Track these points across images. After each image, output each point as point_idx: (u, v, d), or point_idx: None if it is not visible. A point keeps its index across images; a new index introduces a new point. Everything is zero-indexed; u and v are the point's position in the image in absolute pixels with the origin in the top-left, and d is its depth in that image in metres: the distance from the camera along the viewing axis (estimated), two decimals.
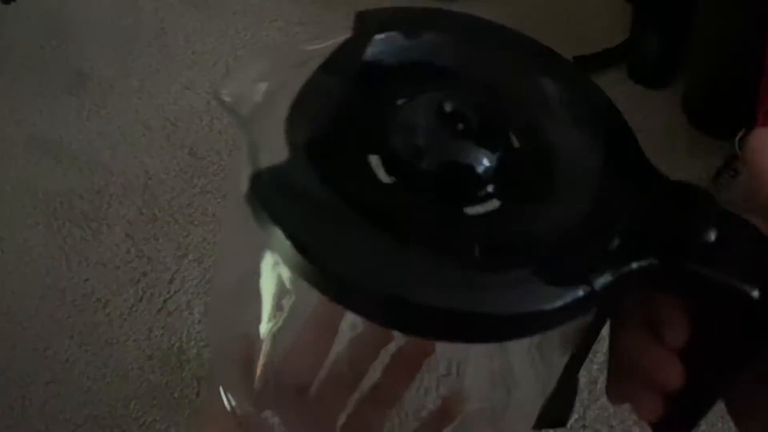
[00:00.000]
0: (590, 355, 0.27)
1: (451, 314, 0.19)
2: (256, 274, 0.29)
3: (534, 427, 0.31)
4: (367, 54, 0.25)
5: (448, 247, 0.20)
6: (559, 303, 0.19)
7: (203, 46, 1.02)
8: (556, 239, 0.20)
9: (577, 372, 0.26)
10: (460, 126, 0.22)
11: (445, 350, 0.35)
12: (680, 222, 0.20)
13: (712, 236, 0.20)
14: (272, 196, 0.21)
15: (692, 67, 0.91)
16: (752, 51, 0.76)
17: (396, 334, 0.32)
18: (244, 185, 0.22)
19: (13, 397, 0.61)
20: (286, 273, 0.27)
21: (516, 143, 0.22)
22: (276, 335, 0.31)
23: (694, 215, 0.20)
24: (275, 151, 0.23)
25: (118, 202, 0.79)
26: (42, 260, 0.73)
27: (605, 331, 0.25)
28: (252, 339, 0.31)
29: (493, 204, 0.21)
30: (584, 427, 0.58)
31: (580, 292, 0.19)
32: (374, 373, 0.35)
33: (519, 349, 0.31)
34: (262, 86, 0.25)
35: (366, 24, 0.26)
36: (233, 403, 0.31)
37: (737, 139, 0.77)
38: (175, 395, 0.61)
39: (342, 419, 0.34)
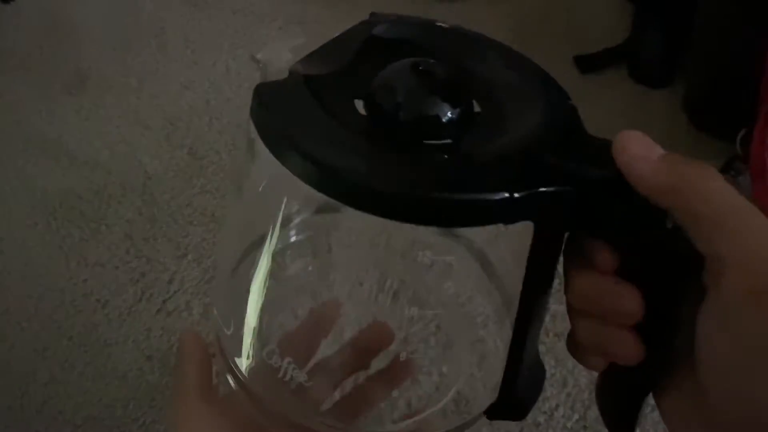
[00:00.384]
0: None
1: (404, 198, 0.26)
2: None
3: (488, 414, 0.33)
4: (372, 31, 0.33)
5: (405, 155, 0.27)
6: (488, 196, 0.25)
7: (203, 46, 1.02)
8: (491, 161, 0.27)
9: (525, 338, 0.31)
10: (426, 81, 0.29)
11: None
12: (596, 164, 0.27)
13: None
14: (269, 99, 0.28)
15: (692, 67, 0.91)
16: (752, 51, 0.76)
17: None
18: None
19: (12, 398, 0.61)
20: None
21: (477, 107, 0.30)
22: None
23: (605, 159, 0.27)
24: None
25: (117, 202, 0.79)
26: (40, 260, 0.73)
27: None
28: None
29: (446, 141, 0.28)
30: (585, 428, 0.58)
31: (505, 194, 0.25)
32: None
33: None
34: (291, 57, 0.31)
35: (377, 16, 0.35)
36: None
37: (738, 139, 0.77)
38: None
39: (327, 405, 0.38)
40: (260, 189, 0.36)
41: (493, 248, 0.38)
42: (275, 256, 0.37)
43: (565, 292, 0.29)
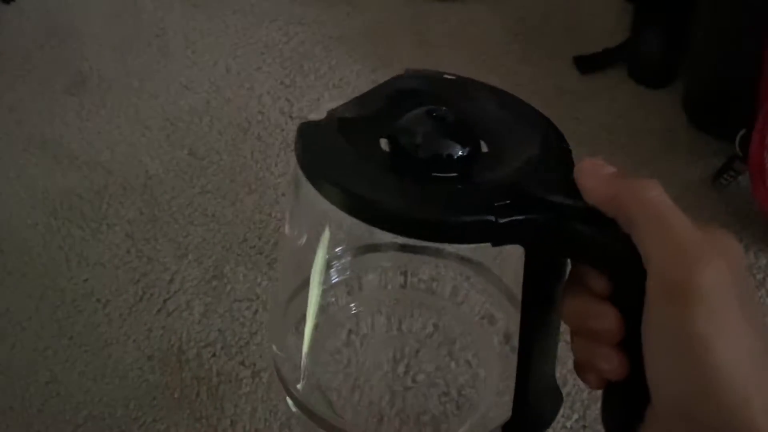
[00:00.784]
0: None
1: (412, 218, 0.32)
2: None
3: (505, 430, 0.36)
4: (400, 84, 0.39)
5: (416, 185, 0.33)
6: (474, 217, 0.31)
7: (203, 45, 1.02)
8: (485, 191, 0.33)
9: (530, 355, 0.35)
10: (440, 125, 0.35)
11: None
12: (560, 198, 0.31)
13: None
14: (308, 135, 0.35)
15: (692, 67, 0.91)
16: (752, 51, 0.76)
17: None
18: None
19: (13, 397, 0.61)
20: None
21: (485, 147, 0.36)
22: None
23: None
24: None
25: (118, 202, 0.79)
26: (41, 260, 0.73)
27: None
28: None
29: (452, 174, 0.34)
30: (584, 427, 0.58)
31: (489, 217, 0.31)
32: None
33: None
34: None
35: (408, 72, 0.40)
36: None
37: (737, 139, 0.77)
38: (175, 395, 0.61)
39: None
40: (306, 234, 0.46)
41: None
42: (322, 295, 0.47)
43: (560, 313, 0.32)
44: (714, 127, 0.87)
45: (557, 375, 0.40)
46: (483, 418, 0.46)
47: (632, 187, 0.28)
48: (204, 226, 0.76)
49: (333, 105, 0.38)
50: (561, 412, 0.59)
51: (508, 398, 0.37)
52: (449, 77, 0.40)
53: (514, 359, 0.35)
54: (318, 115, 0.37)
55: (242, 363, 0.63)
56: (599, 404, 0.59)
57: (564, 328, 0.34)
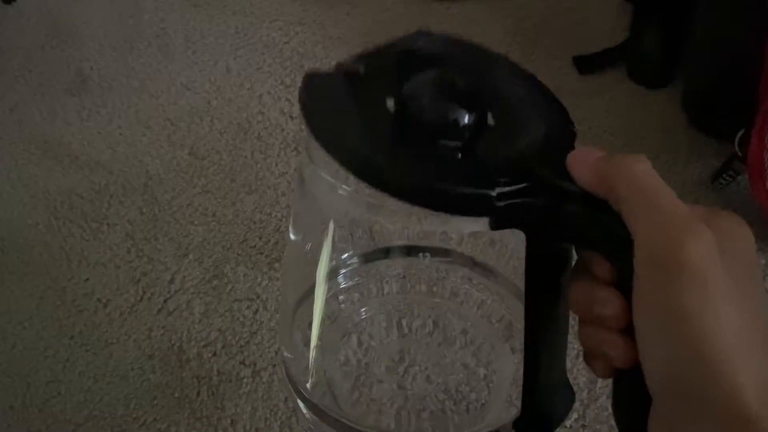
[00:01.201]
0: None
1: (409, 185, 0.31)
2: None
3: (515, 427, 0.35)
4: (411, 44, 0.37)
5: (418, 150, 0.32)
6: (470, 189, 0.31)
7: (203, 46, 1.03)
8: (486, 164, 0.32)
9: (537, 350, 0.34)
10: (448, 90, 0.33)
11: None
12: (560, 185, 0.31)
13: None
14: (314, 87, 0.35)
15: (692, 67, 0.91)
16: (752, 51, 0.76)
17: None
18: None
19: (14, 397, 0.61)
20: None
21: (492, 120, 0.34)
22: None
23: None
24: None
25: (119, 201, 0.79)
26: (42, 260, 0.73)
27: None
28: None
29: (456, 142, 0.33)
30: (584, 426, 0.59)
31: (487, 191, 0.30)
32: None
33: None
34: None
35: (422, 31, 0.38)
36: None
37: (737, 139, 0.77)
38: (176, 395, 0.61)
39: None
40: (311, 235, 0.46)
41: None
42: (329, 300, 0.47)
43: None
44: (713, 127, 0.87)
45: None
46: (496, 417, 0.47)
47: (619, 163, 0.28)
48: (204, 226, 0.76)
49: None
50: None
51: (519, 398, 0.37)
52: (464, 42, 0.38)
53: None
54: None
55: (243, 362, 0.64)
56: (598, 403, 0.59)
57: (571, 322, 0.34)
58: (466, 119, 0.33)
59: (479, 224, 0.32)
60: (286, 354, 0.47)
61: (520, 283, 0.34)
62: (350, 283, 0.51)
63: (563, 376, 0.38)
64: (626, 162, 0.28)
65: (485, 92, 0.35)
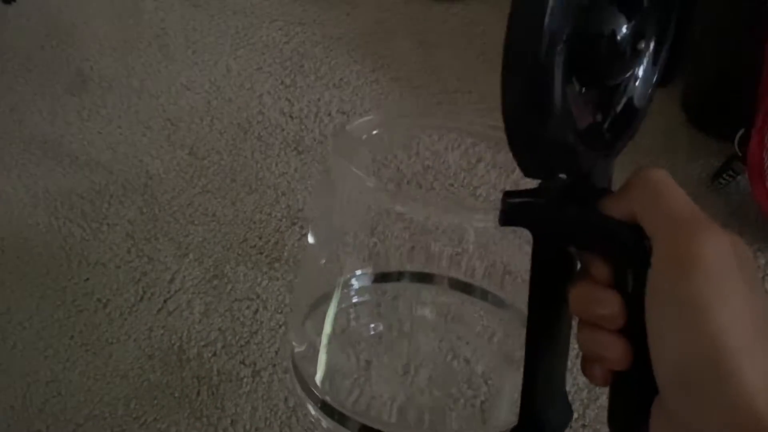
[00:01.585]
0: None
1: None
2: None
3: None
4: None
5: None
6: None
7: (203, 46, 1.03)
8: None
9: (537, 357, 0.35)
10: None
11: None
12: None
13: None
14: None
15: (692, 67, 0.91)
16: (751, 51, 0.76)
17: None
18: None
19: (14, 397, 0.61)
20: None
21: None
22: None
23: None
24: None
25: (119, 201, 0.79)
26: (42, 260, 0.73)
27: None
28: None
29: None
30: (584, 426, 0.59)
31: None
32: None
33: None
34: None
35: None
36: None
37: (736, 138, 0.77)
38: (176, 395, 0.61)
39: None
40: (329, 248, 0.48)
41: None
42: (339, 313, 0.49)
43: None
44: (713, 127, 0.87)
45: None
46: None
47: (636, 173, 0.30)
48: (204, 226, 0.76)
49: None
50: None
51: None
52: None
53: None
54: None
55: (243, 362, 0.64)
56: (598, 403, 0.59)
57: (573, 330, 0.34)
58: None
59: (488, 219, 0.33)
60: (296, 348, 0.48)
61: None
62: (361, 299, 0.53)
63: (562, 390, 0.39)
64: (643, 170, 0.30)
65: None
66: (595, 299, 0.31)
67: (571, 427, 0.58)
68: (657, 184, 0.29)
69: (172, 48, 1.02)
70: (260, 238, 0.75)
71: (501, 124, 0.28)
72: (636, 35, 0.30)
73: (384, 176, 0.54)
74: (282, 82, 0.96)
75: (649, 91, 0.34)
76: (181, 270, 0.72)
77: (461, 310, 0.53)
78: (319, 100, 0.93)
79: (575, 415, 0.59)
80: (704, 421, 0.27)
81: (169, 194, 0.80)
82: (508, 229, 0.33)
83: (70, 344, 0.65)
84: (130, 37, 1.04)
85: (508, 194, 0.32)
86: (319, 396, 0.45)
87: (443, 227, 0.50)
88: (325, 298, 0.49)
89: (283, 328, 0.66)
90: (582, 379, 0.61)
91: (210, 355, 0.64)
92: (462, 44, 1.03)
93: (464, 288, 0.52)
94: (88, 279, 0.71)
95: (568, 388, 0.60)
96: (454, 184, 0.67)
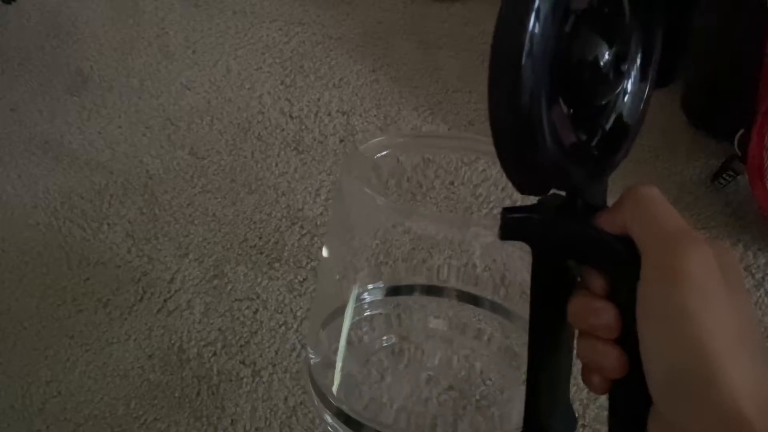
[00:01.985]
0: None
1: None
2: None
3: None
4: None
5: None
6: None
7: (203, 46, 1.03)
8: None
9: (539, 366, 0.36)
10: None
11: None
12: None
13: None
14: None
15: (692, 67, 0.91)
16: (751, 51, 0.76)
17: None
18: None
19: (14, 396, 0.62)
20: None
21: None
22: None
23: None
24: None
25: (119, 201, 0.79)
26: (42, 259, 0.73)
27: None
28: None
29: None
30: (584, 426, 0.59)
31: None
32: None
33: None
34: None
35: None
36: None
37: (736, 139, 0.77)
38: (176, 395, 0.61)
39: None
40: (344, 261, 0.50)
41: None
42: (354, 326, 0.51)
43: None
44: (712, 127, 0.87)
45: None
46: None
47: (628, 190, 0.31)
48: (204, 226, 0.76)
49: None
50: None
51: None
52: None
53: None
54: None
55: (243, 362, 0.64)
56: (598, 403, 0.59)
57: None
58: None
59: (490, 235, 0.34)
60: (312, 358, 0.49)
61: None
62: (374, 312, 0.54)
63: (566, 400, 0.40)
64: (635, 187, 0.31)
65: None
66: (591, 310, 0.32)
67: None
68: (647, 200, 0.31)
69: (172, 48, 1.02)
70: (260, 238, 0.75)
71: None
72: (619, 58, 0.31)
73: (394, 192, 0.56)
74: (282, 82, 0.96)
75: (641, 106, 0.35)
76: (181, 270, 0.72)
77: (471, 321, 0.54)
78: (319, 100, 0.93)
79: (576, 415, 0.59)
80: (694, 426, 0.28)
81: (169, 194, 0.80)
82: (510, 242, 0.34)
83: (70, 344, 0.65)
84: (130, 37, 1.04)
85: (506, 210, 0.33)
86: (336, 405, 0.46)
87: (450, 241, 0.52)
88: (340, 311, 0.50)
89: (283, 327, 0.66)
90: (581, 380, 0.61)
91: (210, 355, 0.64)
92: (462, 44, 1.03)
93: (472, 300, 0.53)
94: (88, 279, 0.71)
95: None
96: (455, 182, 0.67)
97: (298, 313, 0.68)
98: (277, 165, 0.84)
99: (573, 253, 0.33)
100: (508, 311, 0.53)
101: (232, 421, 0.60)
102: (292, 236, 0.75)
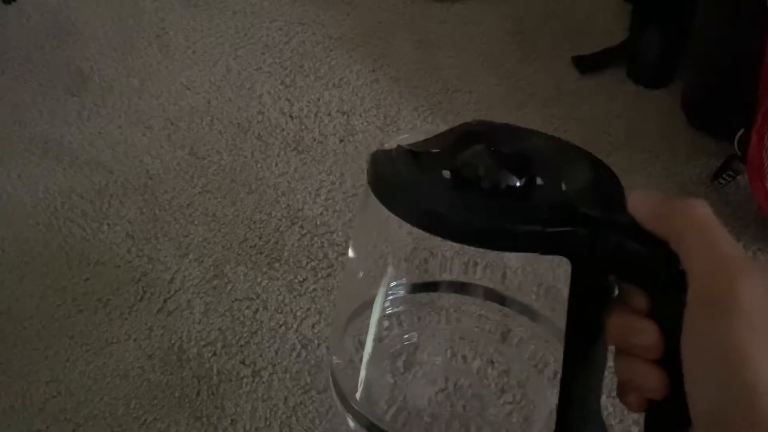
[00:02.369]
0: None
1: (468, 227, 0.34)
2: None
3: None
4: (464, 128, 0.40)
5: (476, 200, 0.35)
6: (523, 227, 0.33)
7: (203, 46, 1.03)
8: (536, 206, 0.34)
9: (573, 380, 0.36)
10: (499, 159, 0.36)
11: None
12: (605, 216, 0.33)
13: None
14: (378, 161, 0.38)
15: (691, 67, 0.91)
16: (751, 51, 0.76)
17: None
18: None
19: (14, 396, 0.62)
20: None
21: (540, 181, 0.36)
22: None
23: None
24: None
25: (119, 201, 0.79)
26: (42, 259, 0.73)
27: None
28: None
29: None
30: None
31: (536, 227, 0.33)
32: None
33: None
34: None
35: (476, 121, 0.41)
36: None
37: (736, 139, 0.77)
38: (176, 395, 0.61)
39: None
40: (368, 261, 0.50)
41: None
42: (378, 321, 0.51)
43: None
44: (712, 127, 0.87)
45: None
46: None
47: (681, 206, 0.30)
48: (204, 226, 0.76)
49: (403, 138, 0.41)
50: None
51: None
52: (508, 125, 0.42)
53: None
54: (389, 146, 0.40)
55: (243, 362, 0.64)
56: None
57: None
58: (517, 182, 0.36)
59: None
60: (335, 361, 0.49)
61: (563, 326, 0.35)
62: (398, 309, 0.54)
63: (597, 413, 0.39)
64: (688, 205, 0.30)
65: (531, 158, 0.38)
66: (632, 329, 0.31)
67: None
68: (702, 220, 0.29)
69: (172, 48, 1.02)
70: (260, 238, 0.75)
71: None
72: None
73: None
74: (282, 82, 0.96)
75: None
76: (181, 270, 0.72)
77: (496, 321, 0.54)
78: (318, 99, 0.93)
79: None
80: None
81: (170, 194, 0.80)
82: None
83: (70, 344, 0.65)
84: (130, 37, 1.04)
85: (546, 221, 0.33)
86: (358, 410, 0.46)
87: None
88: (362, 310, 0.50)
89: (283, 327, 0.66)
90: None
91: (210, 354, 0.64)
92: (462, 44, 1.03)
93: (499, 299, 0.53)
94: (88, 279, 0.71)
95: None
96: None
97: (298, 313, 0.68)
98: (277, 165, 0.84)
99: (615, 269, 0.33)
100: (536, 312, 0.52)
101: (232, 421, 0.60)
102: (292, 236, 0.75)
